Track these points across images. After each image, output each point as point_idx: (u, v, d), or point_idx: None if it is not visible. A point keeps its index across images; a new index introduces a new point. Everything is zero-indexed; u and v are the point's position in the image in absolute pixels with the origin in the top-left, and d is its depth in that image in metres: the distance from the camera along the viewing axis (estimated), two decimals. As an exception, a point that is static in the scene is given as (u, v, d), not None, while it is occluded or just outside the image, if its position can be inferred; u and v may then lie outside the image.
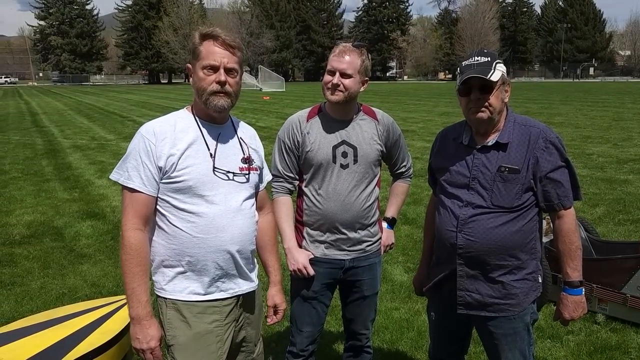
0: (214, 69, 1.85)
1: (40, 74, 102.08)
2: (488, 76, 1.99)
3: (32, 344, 2.44)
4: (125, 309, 2.84)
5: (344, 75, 2.31)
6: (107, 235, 6.02)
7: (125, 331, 2.64)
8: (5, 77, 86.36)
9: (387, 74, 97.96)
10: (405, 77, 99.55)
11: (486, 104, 2.03)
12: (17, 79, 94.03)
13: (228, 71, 1.87)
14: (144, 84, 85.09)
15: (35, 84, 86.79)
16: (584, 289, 2.16)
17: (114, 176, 1.87)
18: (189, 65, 1.93)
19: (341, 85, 2.31)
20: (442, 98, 32.44)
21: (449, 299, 2.23)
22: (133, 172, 1.82)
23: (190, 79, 1.93)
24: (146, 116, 21.85)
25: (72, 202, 7.53)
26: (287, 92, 40.28)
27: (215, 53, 1.84)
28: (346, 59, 2.31)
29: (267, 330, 3.41)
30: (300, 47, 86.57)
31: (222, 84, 1.85)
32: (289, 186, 2.54)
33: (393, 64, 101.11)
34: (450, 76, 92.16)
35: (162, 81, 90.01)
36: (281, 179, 2.52)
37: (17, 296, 4.31)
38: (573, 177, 2.13)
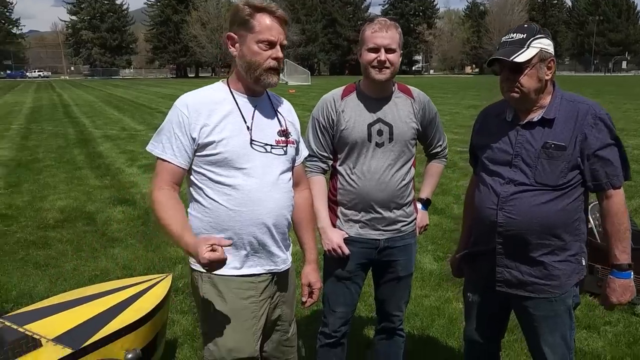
0: (271, 44, 1.82)
1: (72, 68, 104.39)
2: (511, 58, 1.94)
3: (67, 319, 2.47)
4: (158, 287, 2.88)
5: (388, 50, 2.25)
6: (137, 220, 6.10)
7: (156, 310, 2.66)
8: (39, 71, 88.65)
9: (413, 68, 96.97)
10: (432, 71, 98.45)
11: (517, 84, 1.97)
12: (50, 72, 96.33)
13: (281, 47, 1.86)
14: (171, 77, 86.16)
15: (67, 77, 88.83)
16: (632, 273, 2.07)
17: (149, 147, 1.88)
18: (233, 35, 1.87)
19: (387, 61, 2.25)
20: (469, 91, 31.96)
21: (487, 279, 2.17)
22: (166, 143, 1.83)
23: (235, 52, 1.87)
24: (174, 108, 22.08)
25: (103, 189, 7.65)
26: (312, 86, 40.22)
27: (272, 28, 1.81)
28: (389, 34, 2.25)
29: (298, 312, 3.39)
30: (325, 40, 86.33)
31: (279, 60, 1.84)
32: (323, 165, 2.51)
33: (419, 57, 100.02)
34: (477, 70, 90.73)
35: (190, 75, 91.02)
36: (315, 159, 2.49)
37: (51, 277, 4.39)
38: (623, 156, 2.04)
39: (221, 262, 1.61)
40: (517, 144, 2.05)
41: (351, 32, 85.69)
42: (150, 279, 2.98)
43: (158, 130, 1.90)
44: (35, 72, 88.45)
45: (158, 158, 1.87)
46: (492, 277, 2.14)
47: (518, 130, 2.06)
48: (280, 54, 1.84)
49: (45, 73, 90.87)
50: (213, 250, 1.59)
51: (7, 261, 4.77)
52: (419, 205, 2.66)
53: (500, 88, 2.07)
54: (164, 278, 3.00)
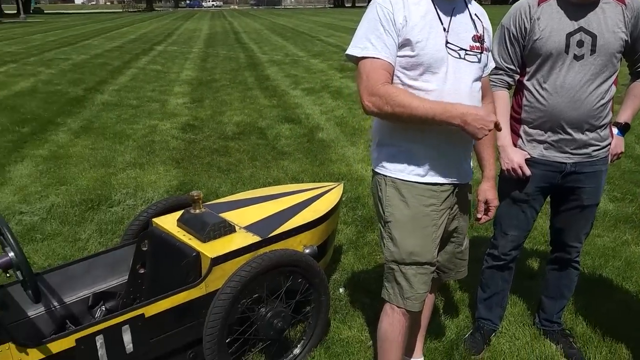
0: None
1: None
2: None
3: (254, 213, 2.77)
4: (332, 193, 3.05)
5: None
6: (303, 137, 6.47)
7: (330, 213, 2.85)
8: (212, 2, 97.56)
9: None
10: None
11: None
12: (221, 2, 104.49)
13: None
14: (329, 7, 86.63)
15: (236, 7, 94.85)
16: None
17: (351, 51, 1.81)
18: None
19: None
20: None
21: None
22: (376, 42, 1.76)
23: None
24: (333, 36, 22.37)
25: (271, 108, 8.19)
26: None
27: None
28: None
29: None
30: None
31: None
32: (509, 80, 2.37)
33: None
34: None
35: (347, 5, 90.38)
36: (501, 72, 2.35)
37: (232, 181, 4.92)
38: None
39: None
40: None
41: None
42: (324, 186, 3.18)
43: (358, 34, 1.83)
44: (209, 2, 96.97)
45: (363, 59, 1.77)
46: None
47: None
48: None
49: (217, 3, 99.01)
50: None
51: (197, 164, 5.44)
52: (615, 130, 2.40)
53: None
54: (336, 186, 3.17)
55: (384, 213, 1.96)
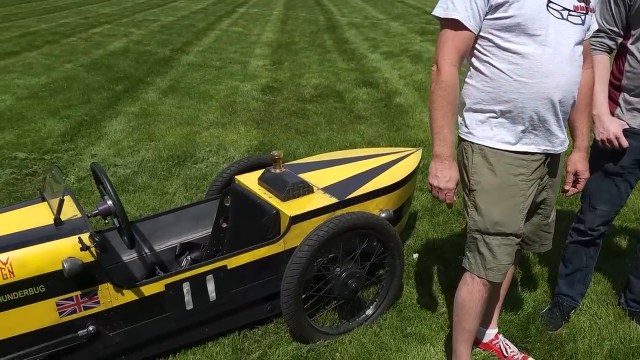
0: None
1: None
2: None
3: (332, 175, 2.80)
4: (410, 158, 3.02)
5: None
6: (380, 102, 6.39)
7: (407, 179, 2.82)
8: None
9: None
10: None
11: None
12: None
13: None
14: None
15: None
16: None
17: (436, 11, 1.78)
18: None
19: None
20: None
21: None
22: (459, 4, 1.71)
23: None
24: (416, -4, 21.57)
25: (349, 72, 8.12)
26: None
27: None
28: None
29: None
30: None
31: None
32: (610, 43, 2.19)
33: None
34: None
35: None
36: (602, 34, 2.18)
37: (309, 143, 4.99)
38: None
39: None
40: None
41: None
42: (403, 151, 3.15)
43: None
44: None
45: (446, 21, 1.75)
46: None
47: None
48: None
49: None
50: None
51: (275, 125, 5.55)
52: None
53: None
54: (415, 152, 3.13)
55: (469, 181, 1.92)
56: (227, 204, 2.72)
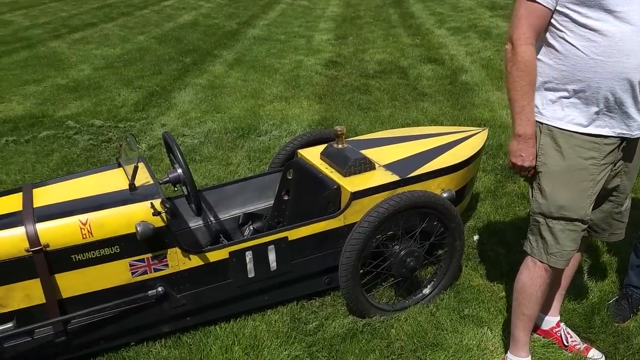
0: None
1: None
2: None
3: (394, 152, 2.78)
4: (475, 138, 2.95)
5: None
6: (445, 79, 6.23)
7: (472, 159, 2.76)
8: None
9: None
10: None
11: None
12: None
13: None
14: None
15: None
16: None
17: None
18: None
19: None
20: None
21: None
22: None
23: None
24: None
25: (414, 47, 7.94)
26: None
27: None
28: None
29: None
30: None
31: None
32: None
33: None
34: None
35: None
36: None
37: (371, 119, 4.96)
38: None
39: None
40: None
41: None
42: (468, 130, 3.08)
43: None
44: None
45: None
46: None
47: None
48: None
49: None
50: None
51: (338, 101, 5.55)
52: None
53: None
54: (480, 132, 3.05)
55: (535, 162, 1.86)
56: (289, 177, 2.77)
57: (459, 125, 4.63)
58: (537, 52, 1.79)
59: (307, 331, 2.38)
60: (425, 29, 9.37)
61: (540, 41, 1.78)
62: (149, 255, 2.13)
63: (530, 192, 1.90)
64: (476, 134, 3.01)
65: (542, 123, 1.81)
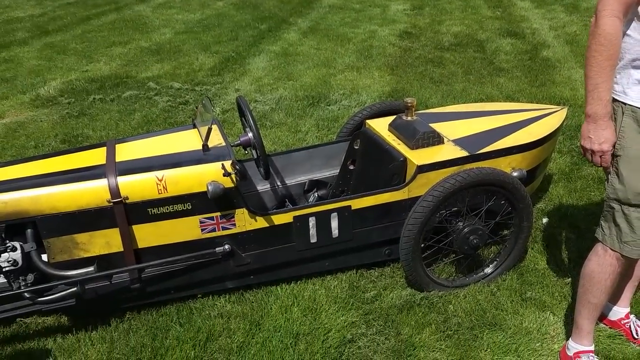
0: None
1: None
2: None
3: (465, 127, 2.72)
4: (552, 117, 2.82)
5: None
6: (525, 54, 5.93)
7: (547, 138, 2.65)
8: None
9: None
10: None
11: None
12: None
13: None
14: None
15: None
16: None
17: None
18: None
19: None
20: None
21: None
22: None
23: None
24: None
25: (494, 20, 7.58)
26: None
27: None
28: None
29: None
30: None
31: None
32: None
33: None
34: None
35: None
36: None
37: (443, 93, 4.84)
38: None
39: None
40: None
41: None
42: (546, 108, 2.94)
43: None
44: None
45: None
46: None
47: None
48: None
49: None
50: None
51: (410, 73, 5.44)
52: None
53: None
54: (559, 110, 2.91)
55: (613, 145, 1.76)
56: (356, 147, 2.79)
57: (537, 103, 4.42)
58: (627, 27, 1.67)
59: (365, 299, 2.43)
60: (507, 1, 8.89)
61: (632, 15, 1.66)
62: (218, 214, 2.24)
63: (607, 177, 1.81)
64: (554, 112, 2.88)
65: (625, 104, 1.71)
